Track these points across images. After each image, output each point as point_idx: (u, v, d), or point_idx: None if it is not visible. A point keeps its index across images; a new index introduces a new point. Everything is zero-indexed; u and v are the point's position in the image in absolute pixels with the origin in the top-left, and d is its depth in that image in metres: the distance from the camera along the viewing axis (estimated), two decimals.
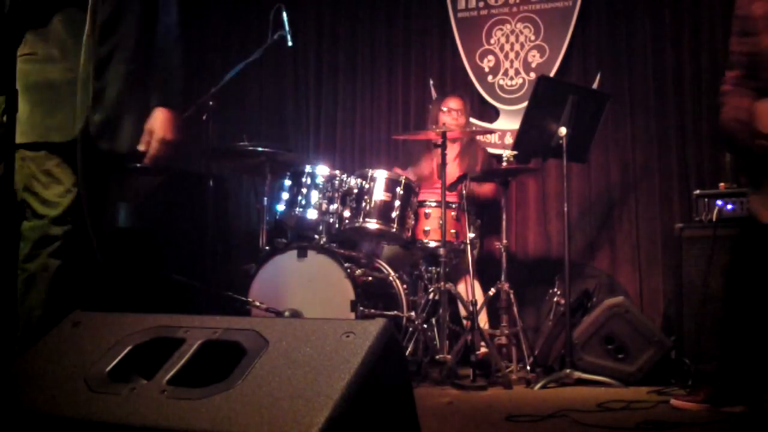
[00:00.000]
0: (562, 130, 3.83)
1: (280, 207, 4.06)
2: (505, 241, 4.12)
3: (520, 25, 5.14)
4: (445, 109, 4.60)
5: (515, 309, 4.03)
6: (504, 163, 4.10)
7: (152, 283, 4.53)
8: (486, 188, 4.53)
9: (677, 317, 3.71)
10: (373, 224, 3.95)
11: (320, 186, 3.99)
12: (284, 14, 3.84)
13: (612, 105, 4.49)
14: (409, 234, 4.03)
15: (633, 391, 3.46)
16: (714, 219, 3.64)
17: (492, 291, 4.09)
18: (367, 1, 5.59)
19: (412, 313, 3.93)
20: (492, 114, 5.21)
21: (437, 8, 5.38)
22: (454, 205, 4.06)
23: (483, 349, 3.85)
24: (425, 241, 4.05)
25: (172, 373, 1.55)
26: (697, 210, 3.76)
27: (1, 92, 1.64)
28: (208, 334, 1.64)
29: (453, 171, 4.41)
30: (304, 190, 3.99)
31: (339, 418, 1.35)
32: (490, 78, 5.20)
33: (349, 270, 3.76)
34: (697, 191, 3.83)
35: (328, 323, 1.57)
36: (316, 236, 3.97)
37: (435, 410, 2.94)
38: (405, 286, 4.04)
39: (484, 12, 5.25)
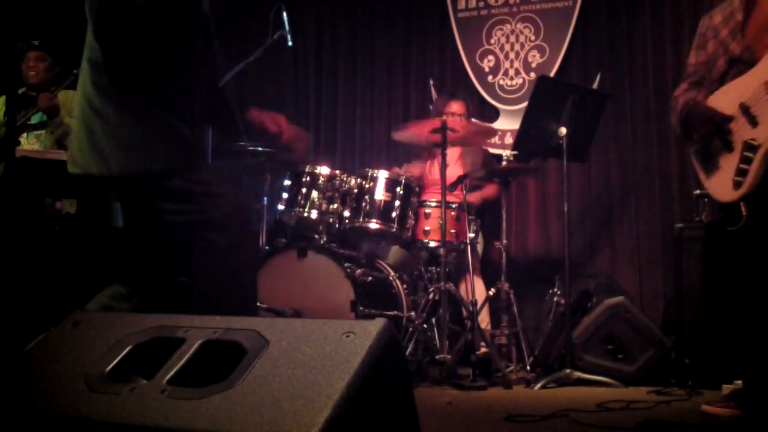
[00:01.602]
0: (562, 130, 3.83)
1: (280, 207, 4.06)
2: (505, 241, 4.12)
3: (520, 25, 5.14)
4: (448, 113, 4.58)
5: (515, 309, 4.03)
6: (504, 163, 4.10)
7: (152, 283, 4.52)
8: (488, 191, 4.52)
9: (677, 317, 3.71)
10: (373, 224, 3.95)
11: (320, 186, 3.99)
12: (284, 14, 3.83)
13: (612, 105, 4.49)
14: (409, 234, 4.02)
15: (633, 391, 3.46)
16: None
17: (492, 291, 4.09)
18: (367, 1, 5.59)
19: (412, 313, 3.93)
20: (492, 114, 5.21)
21: (437, 8, 5.38)
22: (454, 205, 4.05)
23: (483, 349, 3.85)
24: (425, 241, 4.04)
25: (172, 373, 1.55)
26: (697, 210, 3.76)
27: (1, 93, 1.66)
28: (208, 334, 1.64)
29: (455, 171, 4.41)
30: (304, 190, 3.98)
31: (339, 418, 1.35)
32: (490, 78, 5.20)
33: (349, 270, 3.76)
34: (697, 191, 3.82)
35: (328, 323, 1.57)
36: (316, 236, 3.97)
37: (435, 410, 2.94)
38: (405, 286, 4.04)
39: (484, 12, 5.25)
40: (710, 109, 2.74)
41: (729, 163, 2.67)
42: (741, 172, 2.60)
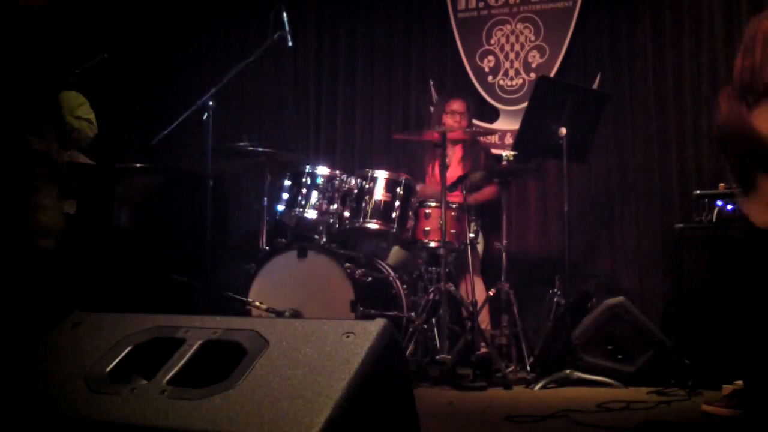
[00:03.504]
0: (562, 131, 3.83)
1: (280, 207, 4.06)
2: (505, 241, 4.11)
3: (520, 26, 5.14)
4: (449, 111, 4.59)
5: (515, 309, 4.02)
6: (504, 163, 4.10)
7: (152, 283, 4.53)
8: (485, 193, 4.52)
9: (677, 317, 3.71)
10: (373, 224, 3.95)
11: (320, 186, 3.99)
12: (284, 14, 3.83)
13: (612, 105, 4.49)
14: (409, 234, 4.02)
15: (633, 391, 3.46)
16: (714, 219, 3.65)
17: (492, 291, 4.09)
18: (367, 1, 5.59)
19: (412, 313, 3.92)
20: (492, 114, 5.21)
21: (437, 8, 5.38)
22: (454, 206, 4.05)
23: (483, 350, 3.85)
24: (425, 241, 4.04)
25: (172, 373, 1.55)
26: (697, 210, 3.76)
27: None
28: (208, 334, 1.64)
29: (456, 172, 4.40)
30: (304, 190, 3.98)
31: (339, 419, 1.35)
32: (490, 78, 5.20)
33: (349, 270, 3.76)
34: (697, 191, 3.83)
35: (328, 323, 1.57)
36: (316, 236, 3.97)
37: (435, 410, 2.94)
38: (405, 286, 4.04)
39: (484, 12, 5.25)
40: (750, 129, 2.59)
41: (765, 186, 2.56)
42: None
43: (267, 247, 4.15)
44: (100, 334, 1.74)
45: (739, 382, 2.97)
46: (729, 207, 3.63)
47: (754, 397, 2.71)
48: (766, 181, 2.58)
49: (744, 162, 2.66)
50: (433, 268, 4.13)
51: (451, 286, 3.82)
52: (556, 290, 4.15)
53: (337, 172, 4.06)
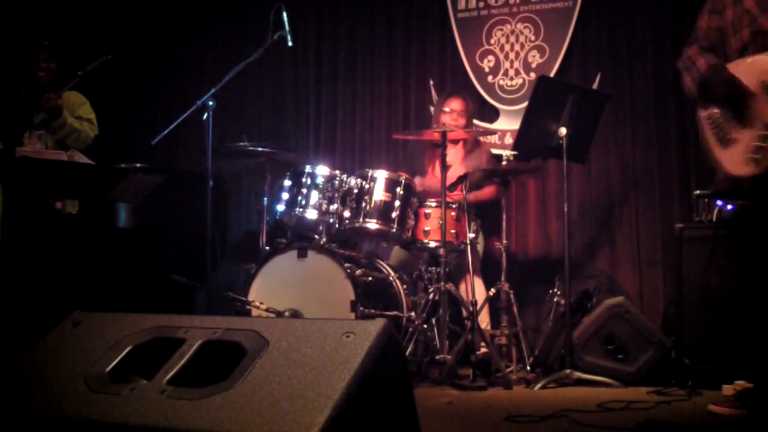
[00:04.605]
0: (562, 130, 3.83)
1: (280, 207, 4.06)
2: (505, 241, 4.11)
3: (520, 26, 5.14)
4: (447, 109, 4.59)
5: (515, 309, 4.03)
6: (504, 163, 4.10)
7: (152, 283, 4.54)
8: (486, 191, 4.52)
9: (677, 317, 3.71)
10: (373, 224, 3.94)
11: (320, 186, 3.98)
12: (284, 14, 3.83)
13: (612, 105, 4.48)
14: (409, 234, 4.02)
15: (633, 391, 3.46)
16: (714, 219, 3.65)
17: (492, 291, 4.09)
18: (367, 1, 5.59)
19: (412, 313, 3.92)
20: (492, 114, 5.21)
21: (437, 8, 5.37)
22: (454, 206, 4.05)
23: (483, 350, 3.85)
24: (425, 241, 4.04)
25: (172, 373, 1.55)
26: (697, 210, 3.76)
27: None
28: (208, 334, 1.64)
29: (458, 172, 4.39)
30: (304, 190, 3.98)
31: (339, 419, 1.35)
32: (490, 78, 5.20)
33: (349, 270, 3.76)
34: (697, 191, 3.83)
35: (328, 323, 1.57)
36: (316, 236, 3.97)
37: (435, 410, 2.94)
38: (405, 286, 4.04)
39: (484, 12, 5.25)
40: (735, 78, 2.70)
41: (745, 139, 2.65)
42: (758, 150, 2.59)
43: (267, 247, 4.15)
44: (100, 334, 1.74)
45: (740, 383, 2.97)
46: (729, 207, 3.63)
47: (760, 398, 2.71)
48: (741, 135, 2.67)
49: (723, 112, 2.76)
50: (433, 268, 4.13)
51: (451, 286, 3.82)
52: (556, 290, 4.15)
53: (337, 172, 4.05)
